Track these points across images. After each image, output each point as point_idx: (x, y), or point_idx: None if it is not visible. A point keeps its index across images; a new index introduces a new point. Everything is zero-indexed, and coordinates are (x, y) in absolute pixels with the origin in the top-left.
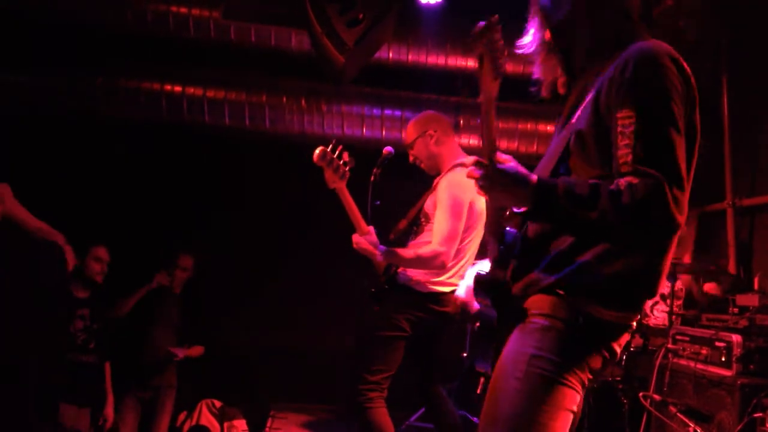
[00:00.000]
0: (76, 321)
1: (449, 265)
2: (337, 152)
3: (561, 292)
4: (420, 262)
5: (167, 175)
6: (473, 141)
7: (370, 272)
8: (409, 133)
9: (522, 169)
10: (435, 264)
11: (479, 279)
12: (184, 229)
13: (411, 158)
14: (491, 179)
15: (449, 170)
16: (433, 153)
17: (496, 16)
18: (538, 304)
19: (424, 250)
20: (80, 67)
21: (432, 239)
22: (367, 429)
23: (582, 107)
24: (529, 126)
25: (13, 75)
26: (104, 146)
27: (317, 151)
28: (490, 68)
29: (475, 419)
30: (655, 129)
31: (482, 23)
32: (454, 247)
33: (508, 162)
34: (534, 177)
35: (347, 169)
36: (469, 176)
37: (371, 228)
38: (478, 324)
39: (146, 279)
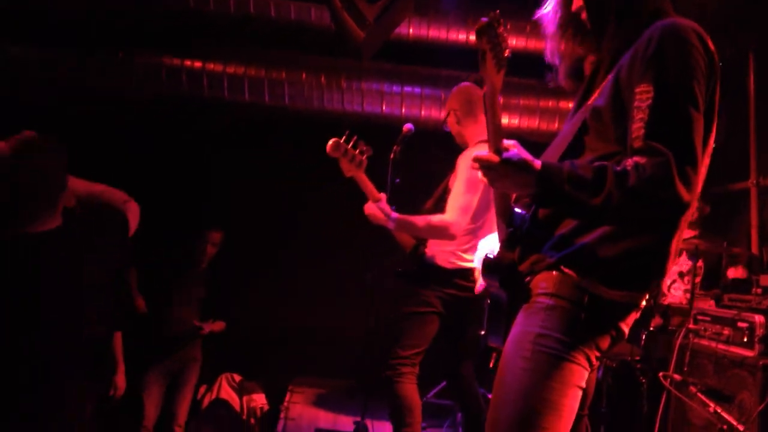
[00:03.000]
0: None
1: (467, 241)
2: (351, 142)
3: (566, 271)
4: (430, 230)
5: (188, 152)
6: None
7: (397, 252)
8: (445, 109)
9: (526, 155)
10: (445, 234)
11: (487, 261)
12: (206, 205)
13: (447, 130)
14: (496, 170)
15: (473, 146)
16: (458, 130)
17: (498, 11)
18: (543, 283)
19: (436, 219)
20: (100, 44)
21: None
22: (395, 403)
23: (601, 87)
24: (550, 103)
25: (33, 51)
26: (124, 122)
27: (330, 143)
28: (493, 62)
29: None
30: (672, 104)
31: (484, 20)
32: (466, 220)
33: (512, 149)
34: (538, 163)
35: (364, 157)
36: (472, 168)
37: (383, 195)
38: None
39: (171, 253)
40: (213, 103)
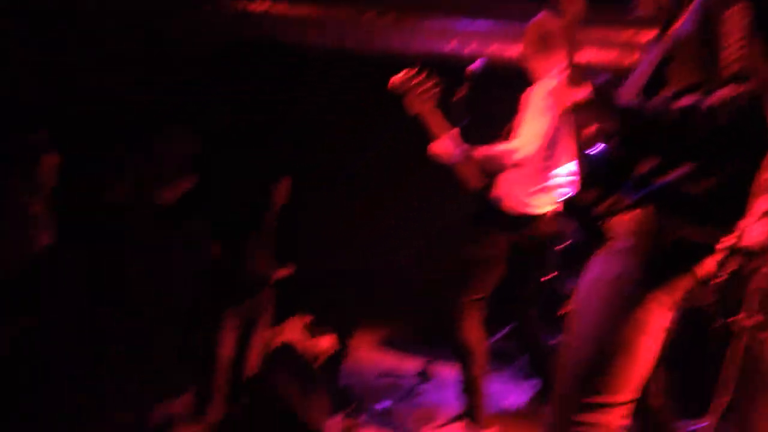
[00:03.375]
0: None
1: (543, 182)
2: (419, 77)
3: (646, 211)
4: (495, 157)
5: (264, 97)
6: None
7: (465, 195)
8: (517, 44)
9: (607, 89)
10: (511, 161)
11: (562, 205)
12: (278, 151)
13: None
14: (575, 102)
15: (543, 79)
16: (530, 65)
17: None
18: (622, 224)
19: (500, 147)
20: None
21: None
22: (460, 346)
23: (686, 12)
24: (628, 36)
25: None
26: (211, 67)
27: (397, 77)
28: None
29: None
30: None
31: None
32: (532, 148)
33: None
34: (619, 97)
35: (431, 93)
36: (548, 96)
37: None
38: (561, 246)
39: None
40: (278, 45)
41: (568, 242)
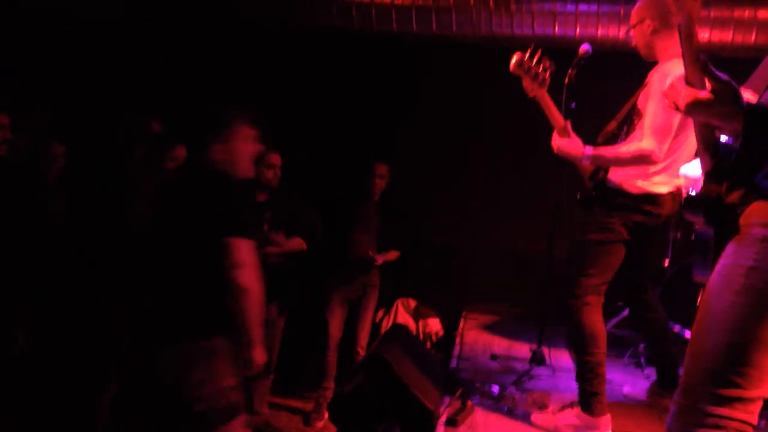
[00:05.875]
0: (263, 224)
1: (661, 163)
2: (535, 59)
3: None
4: (630, 161)
5: (357, 84)
6: None
7: (576, 177)
8: (631, 18)
9: (732, 85)
10: (647, 162)
11: (690, 198)
12: (375, 137)
13: (632, 43)
14: (695, 101)
15: (666, 61)
16: (649, 42)
17: None
18: (758, 213)
19: (633, 148)
20: None
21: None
22: (578, 332)
23: None
24: (746, 14)
25: None
26: (298, 55)
27: (514, 59)
28: None
29: (680, 330)
30: None
31: None
32: (666, 142)
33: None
34: (745, 97)
35: (547, 75)
36: (665, 96)
37: (568, 122)
38: (680, 233)
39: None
40: (382, 36)
41: (699, 235)
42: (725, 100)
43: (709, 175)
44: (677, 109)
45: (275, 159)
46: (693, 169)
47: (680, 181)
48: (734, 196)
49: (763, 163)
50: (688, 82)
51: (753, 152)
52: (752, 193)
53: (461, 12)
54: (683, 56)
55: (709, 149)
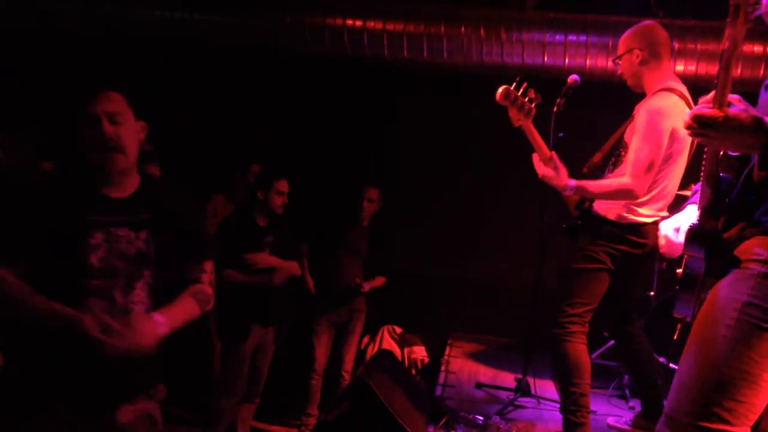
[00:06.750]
0: (264, 249)
1: (645, 195)
2: (521, 89)
3: None
4: (612, 195)
5: (347, 109)
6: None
7: (560, 206)
8: (618, 47)
9: (753, 111)
10: (629, 197)
11: (691, 230)
12: (364, 162)
13: (618, 71)
14: (717, 128)
15: (653, 94)
16: (637, 72)
17: None
18: (754, 249)
19: (616, 183)
20: (267, 6)
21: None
22: (562, 362)
23: None
24: (755, 49)
25: (205, 14)
26: (290, 80)
27: (500, 90)
28: (743, 16)
29: (665, 361)
30: None
31: None
32: (649, 179)
33: (738, 104)
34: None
35: (533, 106)
36: (685, 127)
37: (553, 153)
38: (665, 264)
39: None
40: (373, 61)
41: (687, 268)
42: (747, 125)
43: (706, 209)
44: (698, 135)
45: (284, 186)
46: (670, 230)
47: (665, 213)
48: (732, 231)
49: (763, 198)
50: (718, 105)
51: (759, 180)
52: (751, 228)
53: (452, 40)
54: (718, 82)
55: (711, 183)
